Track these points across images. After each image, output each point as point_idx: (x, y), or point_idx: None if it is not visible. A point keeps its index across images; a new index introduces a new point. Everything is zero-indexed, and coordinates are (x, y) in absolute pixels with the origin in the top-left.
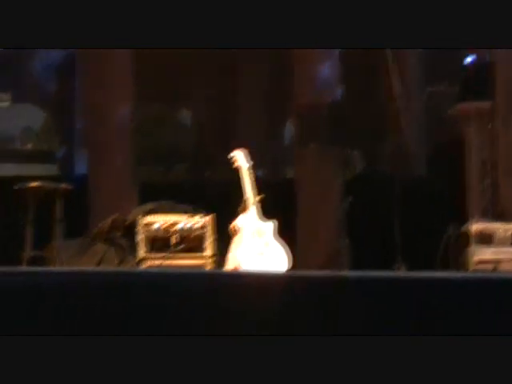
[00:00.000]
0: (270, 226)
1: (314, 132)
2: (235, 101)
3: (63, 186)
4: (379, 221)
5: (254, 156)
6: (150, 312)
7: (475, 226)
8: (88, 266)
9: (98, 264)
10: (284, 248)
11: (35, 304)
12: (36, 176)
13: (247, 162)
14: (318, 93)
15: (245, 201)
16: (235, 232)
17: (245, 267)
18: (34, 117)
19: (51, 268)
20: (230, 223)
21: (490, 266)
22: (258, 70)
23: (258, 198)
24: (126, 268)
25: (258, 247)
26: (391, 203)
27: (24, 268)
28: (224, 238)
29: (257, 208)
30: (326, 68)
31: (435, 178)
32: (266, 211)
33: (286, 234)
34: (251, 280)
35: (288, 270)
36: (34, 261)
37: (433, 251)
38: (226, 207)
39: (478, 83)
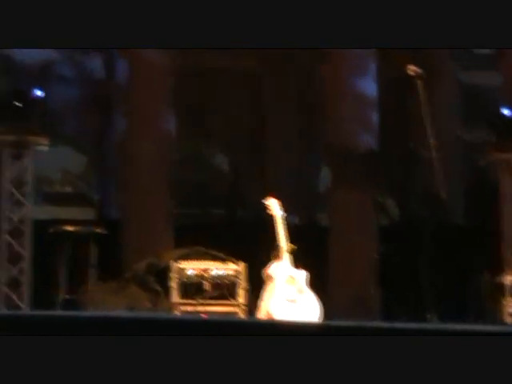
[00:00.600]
0: (303, 273)
1: (348, 178)
2: (270, 145)
3: (98, 229)
4: (412, 269)
5: (287, 202)
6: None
7: (510, 278)
8: (121, 310)
9: (131, 308)
10: (316, 296)
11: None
12: (72, 219)
13: (280, 210)
14: (352, 139)
15: (278, 248)
16: (268, 279)
17: (277, 315)
18: (71, 160)
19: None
20: (263, 270)
21: None
22: (292, 116)
23: (291, 246)
24: (159, 313)
25: (290, 295)
26: (425, 251)
27: (58, 312)
28: (256, 285)
29: (289, 256)
30: (360, 113)
31: (470, 226)
32: (299, 259)
33: (318, 281)
34: (284, 328)
35: (320, 319)
36: (67, 304)
37: (466, 302)
38: (258, 254)
39: None
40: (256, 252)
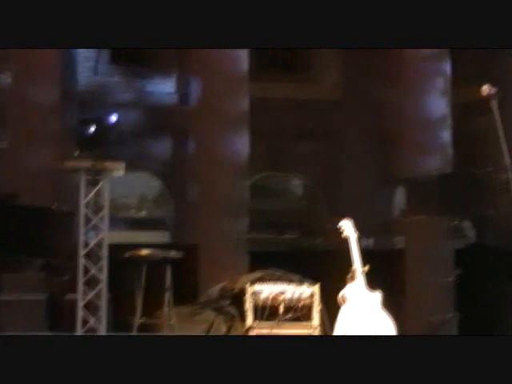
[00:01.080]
0: (378, 296)
1: (422, 201)
2: (343, 168)
3: (173, 253)
4: (488, 292)
5: (361, 225)
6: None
7: None
8: (197, 334)
9: (207, 331)
10: (391, 318)
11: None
12: (148, 243)
13: (355, 231)
14: (425, 161)
15: (353, 270)
16: (343, 301)
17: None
18: (147, 184)
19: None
20: (337, 293)
21: None
22: (364, 139)
23: (365, 268)
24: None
25: (365, 317)
26: (500, 275)
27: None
28: (330, 308)
29: (364, 277)
30: (433, 137)
31: None
32: (375, 281)
33: (393, 304)
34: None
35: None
36: (144, 327)
37: None
38: (331, 276)
39: None
40: (331, 274)
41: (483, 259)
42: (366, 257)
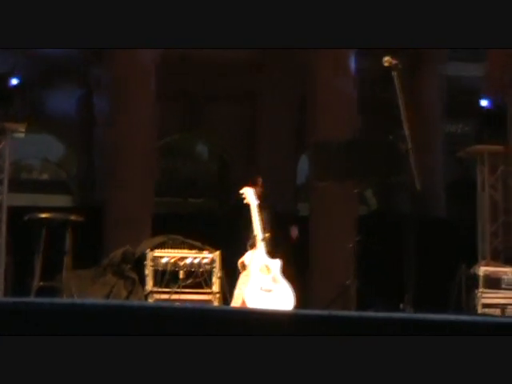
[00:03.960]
0: (278, 263)
1: (329, 168)
2: (253, 135)
3: (73, 216)
4: (390, 259)
5: (268, 191)
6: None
7: (484, 269)
8: (97, 297)
9: (108, 295)
10: (290, 285)
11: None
12: (50, 207)
13: (256, 199)
14: (334, 129)
15: (253, 237)
16: (243, 268)
17: (252, 303)
18: (50, 147)
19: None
20: (237, 259)
21: (497, 310)
22: (281, 104)
23: (266, 235)
24: (133, 302)
25: (265, 284)
26: (403, 242)
27: (32, 299)
28: (230, 274)
29: (264, 245)
30: (342, 105)
31: (448, 217)
32: (280, 247)
33: (296, 271)
34: (258, 317)
35: (294, 308)
36: (43, 291)
37: (442, 292)
38: (233, 243)
39: (493, 126)
40: (232, 241)
41: (385, 226)
42: (272, 222)
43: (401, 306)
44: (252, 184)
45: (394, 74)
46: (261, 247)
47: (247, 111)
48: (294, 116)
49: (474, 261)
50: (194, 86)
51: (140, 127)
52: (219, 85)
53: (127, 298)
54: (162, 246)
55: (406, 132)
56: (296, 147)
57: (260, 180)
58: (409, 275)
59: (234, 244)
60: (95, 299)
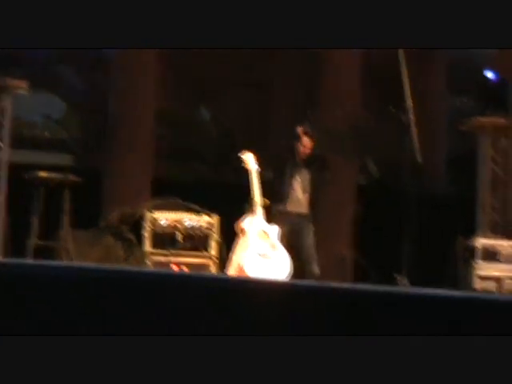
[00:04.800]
0: (275, 229)
1: (331, 140)
2: (257, 105)
3: (72, 177)
4: (389, 231)
5: (266, 160)
6: (149, 313)
7: (481, 242)
8: (95, 258)
9: (105, 256)
10: (286, 252)
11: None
12: (50, 165)
13: (256, 164)
14: (338, 102)
15: (252, 202)
16: (241, 233)
17: (249, 269)
18: (53, 106)
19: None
20: (236, 224)
21: (493, 283)
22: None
23: (265, 201)
24: (129, 267)
25: (262, 250)
26: (402, 214)
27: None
28: (230, 239)
29: (263, 210)
30: (346, 79)
31: (448, 190)
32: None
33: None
34: (254, 287)
35: (290, 276)
36: (40, 250)
37: (439, 264)
38: (233, 208)
39: (496, 99)
40: (231, 206)
41: (385, 197)
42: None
43: (397, 277)
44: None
45: (400, 50)
46: (259, 213)
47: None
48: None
49: (472, 233)
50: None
51: (145, 93)
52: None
53: (125, 259)
54: (160, 208)
55: (409, 104)
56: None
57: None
58: (407, 247)
59: (234, 209)
60: (93, 261)
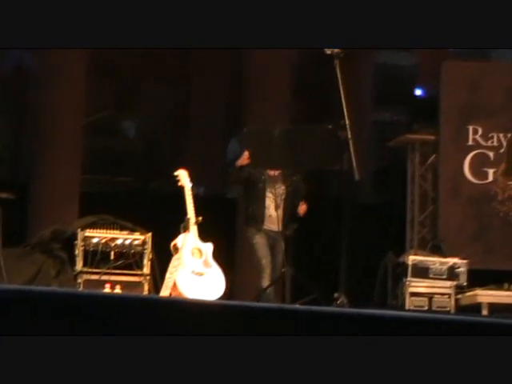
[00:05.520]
0: (210, 246)
1: (267, 156)
2: (184, 118)
3: (3, 194)
4: (325, 246)
5: (197, 174)
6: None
7: (412, 258)
8: (25, 276)
9: (36, 274)
10: (221, 269)
11: None
12: None
13: (190, 181)
14: (266, 115)
15: (187, 220)
16: (175, 251)
17: (183, 286)
18: None
19: None
20: (169, 241)
21: (424, 299)
22: (208, 90)
23: (198, 219)
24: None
25: (197, 267)
26: (335, 230)
27: None
28: (163, 257)
29: (196, 228)
30: (275, 92)
31: (378, 205)
32: (206, 232)
33: (225, 256)
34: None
35: (224, 292)
36: None
37: (371, 280)
38: (167, 225)
39: (425, 114)
40: (165, 223)
41: (322, 213)
42: (201, 206)
43: (335, 294)
44: None
45: (336, 62)
46: (193, 230)
47: (179, 94)
48: (226, 100)
49: (401, 249)
50: (127, 66)
51: (69, 103)
52: (152, 66)
53: (56, 277)
54: (92, 225)
55: (347, 121)
56: (226, 131)
57: None
58: (342, 263)
59: (167, 227)
60: (23, 279)
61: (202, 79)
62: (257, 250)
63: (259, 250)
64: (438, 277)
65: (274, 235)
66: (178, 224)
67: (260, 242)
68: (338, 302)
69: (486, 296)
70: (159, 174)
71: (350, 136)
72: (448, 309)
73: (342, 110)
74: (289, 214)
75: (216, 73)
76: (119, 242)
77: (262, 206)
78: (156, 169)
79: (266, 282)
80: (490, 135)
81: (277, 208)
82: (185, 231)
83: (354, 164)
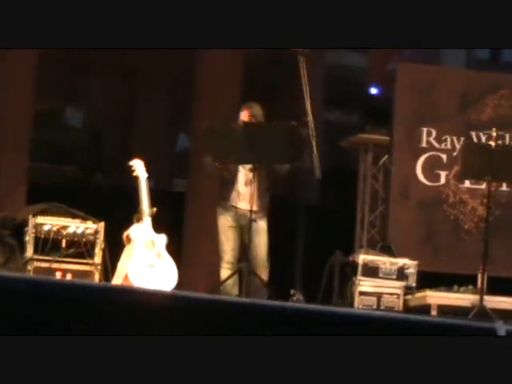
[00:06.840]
0: (163, 238)
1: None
2: (134, 107)
3: None
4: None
5: (148, 165)
6: (33, 320)
7: (363, 257)
8: None
9: None
10: (173, 261)
11: None
12: None
13: (145, 172)
14: (217, 108)
15: (140, 211)
16: (128, 241)
17: (134, 277)
18: None
19: None
20: (121, 231)
21: (373, 299)
22: (159, 80)
23: (153, 210)
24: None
25: (149, 259)
26: (286, 229)
27: None
28: (115, 247)
29: (150, 219)
30: (227, 87)
31: (329, 206)
32: (157, 223)
33: (175, 247)
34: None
35: (175, 286)
36: None
37: (320, 280)
38: (117, 215)
39: (378, 115)
40: (118, 213)
41: (284, 211)
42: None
43: (292, 291)
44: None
45: (301, 59)
46: (147, 221)
47: (125, 86)
48: (175, 92)
49: (350, 249)
50: (71, 57)
51: (16, 94)
52: (97, 58)
53: (5, 264)
54: (44, 213)
55: (310, 119)
56: (174, 124)
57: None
58: (297, 261)
59: (120, 217)
60: None
61: (149, 72)
62: (219, 232)
63: (221, 233)
64: (387, 277)
65: (246, 213)
66: (126, 215)
67: (223, 223)
68: (295, 298)
69: (436, 297)
70: (106, 165)
71: (312, 133)
72: (396, 309)
73: (305, 107)
74: (265, 190)
75: (164, 66)
76: (71, 230)
77: (232, 182)
78: (102, 160)
79: (224, 273)
80: (444, 138)
81: (249, 183)
82: (138, 222)
83: (316, 162)
